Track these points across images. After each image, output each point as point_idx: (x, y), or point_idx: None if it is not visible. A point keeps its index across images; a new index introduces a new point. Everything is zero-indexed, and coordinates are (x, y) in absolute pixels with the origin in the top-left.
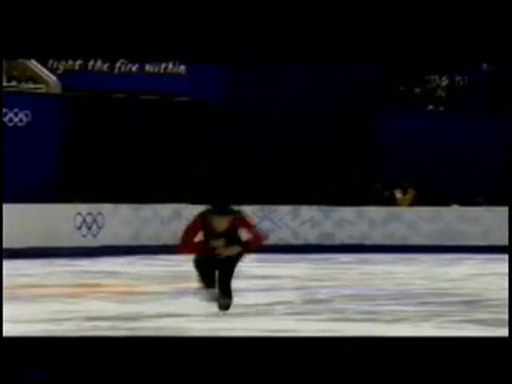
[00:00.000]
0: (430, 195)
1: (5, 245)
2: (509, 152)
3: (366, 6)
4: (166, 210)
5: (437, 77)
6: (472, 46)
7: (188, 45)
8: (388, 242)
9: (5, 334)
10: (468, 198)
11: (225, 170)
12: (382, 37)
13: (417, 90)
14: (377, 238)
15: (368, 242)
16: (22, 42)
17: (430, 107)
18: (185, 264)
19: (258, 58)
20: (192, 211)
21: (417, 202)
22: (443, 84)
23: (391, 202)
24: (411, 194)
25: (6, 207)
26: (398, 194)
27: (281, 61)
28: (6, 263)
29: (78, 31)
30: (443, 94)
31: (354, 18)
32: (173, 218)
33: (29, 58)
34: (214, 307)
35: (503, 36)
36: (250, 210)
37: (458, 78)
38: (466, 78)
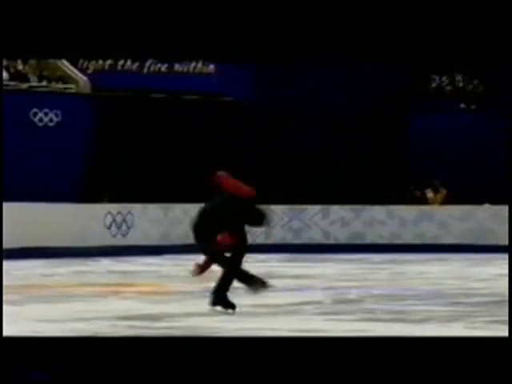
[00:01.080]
0: (461, 194)
1: (36, 244)
2: (508, 152)
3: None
4: (195, 209)
5: (467, 76)
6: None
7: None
8: (419, 241)
9: (36, 333)
10: (500, 197)
11: (254, 169)
12: (388, 36)
13: (448, 88)
14: (407, 238)
15: (399, 241)
16: (22, 42)
17: (462, 106)
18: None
19: (281, 59)
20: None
21: (448, 201)
22: (475, 82)
23: (422, 201)
24: (442, 193)
25: (36, 207)
26: (430, 194)
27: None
28: (36, 262)
29: (80, 31)
30: (475, 93)
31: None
32: None
33: (29, 58)
34: (243, 309)
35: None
36: (279, 210)
37: (490, 77)
38: (498, 76)
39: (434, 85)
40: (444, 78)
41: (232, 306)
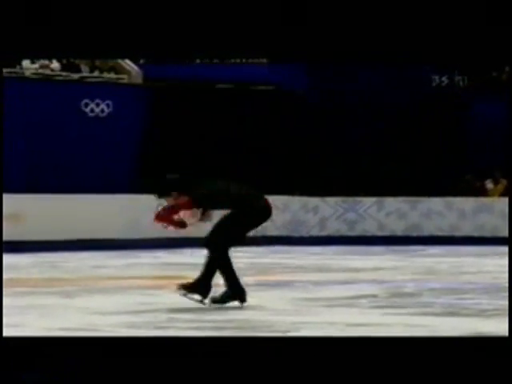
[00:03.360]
0: None
1: (87, 236)
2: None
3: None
4: None
5: None
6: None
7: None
8: (478, 233)
9: (88, 326)
10: None
11: (308, 161)
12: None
13: (504, 76)
14: (466, 230)
15: (457, 233)
16: (22, 41)
17: None
18: (266, 256)
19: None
20: (273, 202)
21: (508, 192)
22: None
23: (482, 192)
24: (503, 184)
25: (88, 198)
26: (489, 185)
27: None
28: (88, 254)
29: (82, 31)
30: None
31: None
32: None
33: (29, 58)
34: (297, 302)
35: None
36: (333, 202)
37: None
38: None
39: (493, 73)
40: (504, 66)
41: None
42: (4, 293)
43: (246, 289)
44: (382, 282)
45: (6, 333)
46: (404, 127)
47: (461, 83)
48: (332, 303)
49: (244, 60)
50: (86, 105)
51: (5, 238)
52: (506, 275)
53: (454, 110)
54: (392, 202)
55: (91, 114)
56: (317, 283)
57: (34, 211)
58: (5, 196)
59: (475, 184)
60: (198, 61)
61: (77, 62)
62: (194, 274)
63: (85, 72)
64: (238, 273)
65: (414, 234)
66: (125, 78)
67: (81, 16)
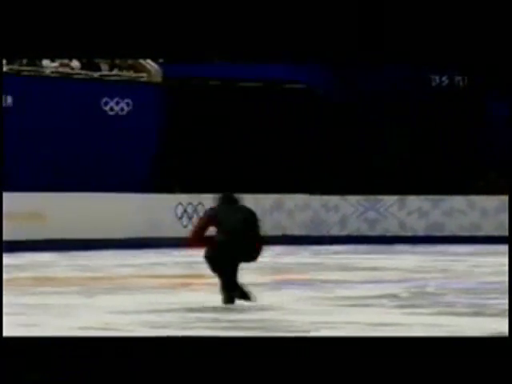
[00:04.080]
0: None
1: (105, 235)
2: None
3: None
4: (267, 200)
5: None
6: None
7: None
8: (501, 232)
9: (109, 325)
10: None
11: (328, 159)
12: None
13: None
14: (489, 229)
15: (480, 232)
16: (22, 42)
17: None
18: (286, 255)
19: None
20: (294, 201)
21: None
22: None
23: (505, 190)
24: None
25: (106, 197)
26: None
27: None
28: (106, 254)
29: (84, 30)
30: None
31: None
32: (274, 208)
33: (28, 58)
34: (318, 301)
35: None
36: (354, 200)
37: None
38: None
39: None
40: None
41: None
42: (25, 292)
43: (266, 287)
44: (403, 281)
45: (27, 332)
46: (426, 125)
47: (461, 83)
48: (353, 303)
49: None
50: (106, 103)
51: (26, 236)
52: None
53: (477, 106)
54: (414, 201)
55: (111, 113)
56: (337, 282)
57: (54, 210)
58: (26, 195)
59: (499, 182)
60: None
61: (96, 60)
62: (211, 273)
63: (104, 70)
64: (256, 272)
65: (436, 233)
66: (144, 77)
67: (102, 15)
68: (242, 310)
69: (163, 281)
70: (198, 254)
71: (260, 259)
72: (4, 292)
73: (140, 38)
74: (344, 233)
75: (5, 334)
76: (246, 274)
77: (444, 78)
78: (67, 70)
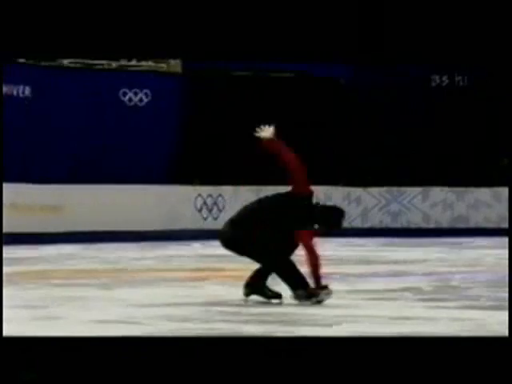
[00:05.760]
0: None
1: (124, 227)
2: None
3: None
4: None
5: None
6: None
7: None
8: (508, 224)
9: (127, 318)
10: None
11: (350, 150)
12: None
13: None
14: None
15: (505, 225)
16: (21, 42)
17: None
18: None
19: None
20: (315, 193)
21: None
22: None
23: None
24: None
25: (125, 189)
26: None
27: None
28: (125, 246)
29: (85, 30)
30: None
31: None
32: None
33: (28, 58)
34: (340, 295)
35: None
36: (376, 192)
37: None
38: None
39: None
40: None
41: (277, 296)
42: (43, 284)
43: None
44: (427, 274)
45: (44, 326)
46: (450, 114)
47: (461, 83)
48: (375, 296)
49: None
50: (125, 94)
51: (44, 229)
52: None
53: (504, 94)
54: (438, 193)
55: (129, 104)
56: (359, 276)
57: (72, 202)
58: (45, 187)
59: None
60: None
61: None
62: (232, 266)
63: (123, 61)
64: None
65: (461, 225)
66: (164, 67)
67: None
68: (264, 304)
69: (183, 274)
70: (219, 247)
71: None
72: (22, 285)
73: (153, 37)
74: (366, 225)
75: (25, 327)
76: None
77: (444, 78)
78: (86, 60)
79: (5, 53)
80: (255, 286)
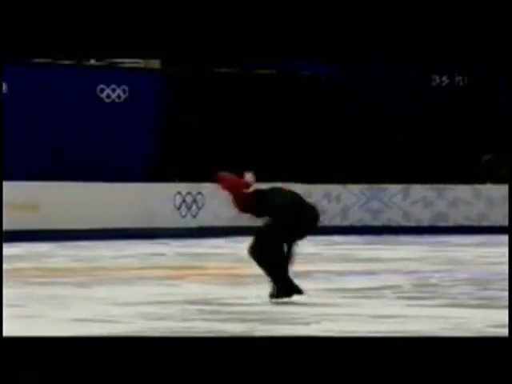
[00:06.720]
0: None
1: (102, 225)
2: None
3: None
4: None
5: None
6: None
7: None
8: (507, 222)
9: (106, 317)
10: None
11: (331, 147)
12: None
13: None
14: (496, 219)
15: (486, 222)
16: (22, 42)
17: None
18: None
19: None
20: (295, 190)
21: None
22: None
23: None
24: None
25: (103, 186)
26: None
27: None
28: (103, 244)
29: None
30: None
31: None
32: None
33: (29, 58)
34: (319, 293)
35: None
36: (357, 190)
37: None
38: None
39: None
40: None
41: (299, 291)
42: (20, 283)
43: (266, 278)
44: (407, 272)
45: (22, 325)
46: (431, 112)
47: (461, 83)
48: (355, 294)
49: None
50: (102, 90)
51: (22, 226)
52: None
53: (484, 94)
54: (418, 190)
55: (107, 100)
56: (339, 274)
57: (50, 200)
58: (21, 184)
59: (495, 166)
60: None
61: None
62: (211, 264)
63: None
64: (255, 264)
65: (441, 223)
66: (141, 63)
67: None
68: (243, 302)
69: (161, 272)
70: (198, 245)
71: None
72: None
73: (136, 37)
74: (346, 223)
75: (3, 325)
76: (248, 265)
77: (444, 78)
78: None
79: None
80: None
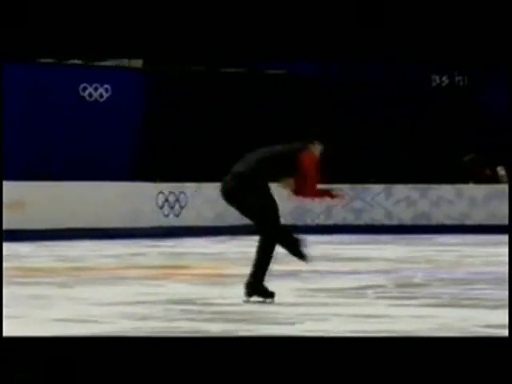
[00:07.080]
0: None
1: (84, 225)
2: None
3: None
4: None
5: None
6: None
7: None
8: (490, 221)
9: (88, 317)
10: None
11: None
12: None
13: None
14: (478, 218)
15: (468, 222)
16: (21, 42)
17: None
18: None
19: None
20: (279, 189)
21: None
22: None
23: (494, 179)
24: None
25: (85, 186)
26: (501, 171)
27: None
28: (86, 244)
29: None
30: None
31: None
32: None
33: (28, 58)
34: (303, 293)
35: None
36: (339, 189)
37: None
38: None
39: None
40: None
41: (270, 295)
42: (4, 282)
43: (247, 279)
44: (389, 272)
45: (6, 324)
46: (414, 112)
47: (461, 83)
48: (338, 294)
49: None
50: (84, 89)
51: (5, 226)
52: None
53: (467, 94)
54: (401, 190)
55: (89, 99)
56: (322, 273)
57: (33, 199)
58: (5, 183)
59: (486, 171)
60: None
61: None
62: (194, 264)
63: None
64: (240, 263)
65: (423, 222)
66: (124, 62)
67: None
68: (227, 302)
69: (144, 272)
70: (181, 244)
71: (244, 249)
72: None
73: (124, 37)
74: (329, 222)
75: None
76: (232, 265)
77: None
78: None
79: None
80: (255, 285)
